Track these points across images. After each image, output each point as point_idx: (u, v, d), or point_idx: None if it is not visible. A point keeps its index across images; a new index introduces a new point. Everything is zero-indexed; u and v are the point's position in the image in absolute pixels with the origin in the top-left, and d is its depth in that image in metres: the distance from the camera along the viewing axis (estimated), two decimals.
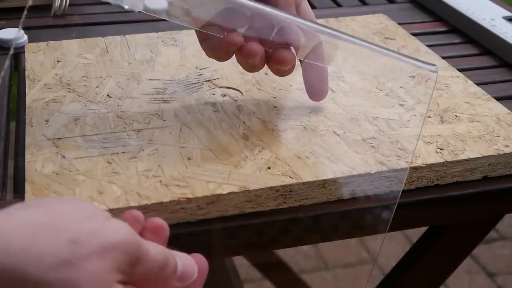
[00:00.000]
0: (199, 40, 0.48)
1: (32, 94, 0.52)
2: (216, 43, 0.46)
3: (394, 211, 0.45)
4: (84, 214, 0.32)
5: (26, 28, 0.66)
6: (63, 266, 0.30)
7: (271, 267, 1.15)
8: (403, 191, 0.46)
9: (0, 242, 0.29)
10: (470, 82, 0.57)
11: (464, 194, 0.47)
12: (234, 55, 0.47)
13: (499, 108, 0.53)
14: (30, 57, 0.58)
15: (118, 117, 0.50)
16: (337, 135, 0.48)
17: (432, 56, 0.62)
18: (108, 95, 0.53)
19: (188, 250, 0.43)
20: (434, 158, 0.46)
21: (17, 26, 0.66)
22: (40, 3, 0.72)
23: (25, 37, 0.64)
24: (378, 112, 0.52)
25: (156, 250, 0.34)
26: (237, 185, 0.42)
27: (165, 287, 0.35)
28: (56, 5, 0.71)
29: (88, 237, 0.31)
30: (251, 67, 0.48)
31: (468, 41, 0.69)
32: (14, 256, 0.29)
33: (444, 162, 0.46)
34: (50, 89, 0.53)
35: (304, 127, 0.49)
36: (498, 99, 0.55)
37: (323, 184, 0.43)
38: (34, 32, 0.66)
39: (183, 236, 0.42)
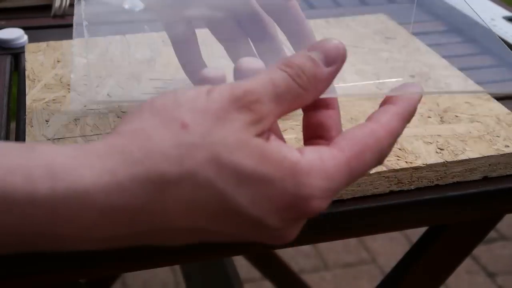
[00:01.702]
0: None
1: (32, 94, 0.52)
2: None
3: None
4: (186, 96, 0.31)
5: (26, 28, 0.66)
6: (192, 151, 0.29)
7: (271, 267, 1.15)
8: (403, 191, 0.46)
9: (121, 156, 0.29)
10: (470, 81, 0.57)
11: (464, 194, 0.47)
12: None
13: (499, 108, 0.53)
14: (30, 57, 0.58)
15: (118, 117, 0.50)
16: None
17: (432, 56, 0.62)
18: (108, 95, 0.53)
19: (187, 250, 0.43)
20: (434, 158, 0.46)
21: (17, 26, 0.66)
22: (40, 3, 0.72)
23: (25, 37, 0.64)
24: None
25: (278, 70, 0.32)
26: None
27: (322, 84, 0.33)
28: (56, 5, 0.71)
29: (197, 115, 0.30)
30: None
31: (468, 41, 0.69)
32: (141, 165, 0.29)
33: (444, 162, 0.46)
34: (50, 89, 0.53)
35: None
36: (498, 99, 0.55)
37: None
38: (34, 32, 0.66)
39: None
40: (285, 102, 0.32)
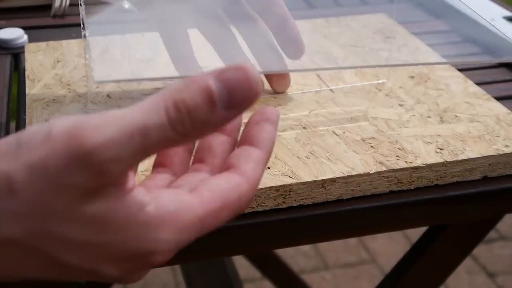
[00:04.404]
0: None
1: (32, 94, 0.52)
2: None
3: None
4: (25, 145, 0.26)
5: (26, 28, 0.66)
6: (18, 219, 0.26)
7: (271, 267, 1.15)
8: (403, 191, 0.46)
9: None
10: (470, 82, 0.57)
11: (464, 194, 0.47)
12: None
13: (499, 108, 0.53)
14: (30, 57, 0.58)
15: None
16: (337, 135, 0.48)
17: (432, 56, 0.62)
18: (108, 96, 0.53)
19: (187, 250, 0.43)
20: (434, 158, 0.46)
21: (17, 26, 0.66)
22: (40, 3, 0.72)
23: (25, 37, 0.64)
24: (378, 112, 0.52)
25: (150, 112, 0.26)
26: None
27: (211, 129, 0.27)
28: (56, 5, 0.71)
29: (28, 175, 0.26)
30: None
31: (468, 41, 0.69)
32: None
33: (444, 162, 0.46)
34: (50, 89, 0.53)
35: (304, 127, 0.49)
36: (498, 99, 0.55)
37: (323, 184, 0.43)
38: (34, 32, 0.66)
39: None
40: (150, 152, 0.27)
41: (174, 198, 0.28)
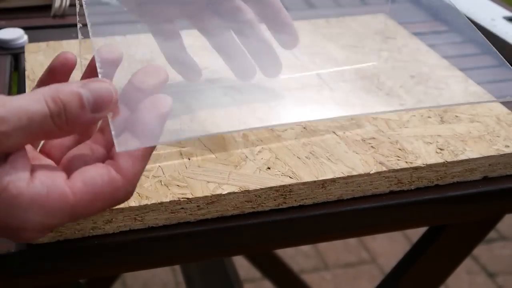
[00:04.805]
0: None
1: None
2: None
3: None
4: None
5: (26, 28, 0.66)
6: None
7: (271, 267, 1.15)
8: (403, 191, 0.46)
9: None
10: (470, 81, 0.57)
11: (464, 194, 0.47)
12: None
13: (499, 108, 0.53)
14: (30, 57, 0.58)
15: None
16: (337, 135, 0.48)
17: (432, 56, 0.62)
18: None
19: (188, 250, 0.43)
20: (434, 158, 0.46)
21: (17, 26, 0.66)
22: (40, 3, 0.72)
23: (25, 37, 0.64)
24: (378, 112, 0.52)
25: (35, 100, 0.31)
26: (237, 185, 0.42)
27: (80, 127, 0.32)
28: (56, 5, 0.71)
29: None
30: None
31: (468, 41, 0.69)
32: None
33: (444, 162, 0.46)
34: None
35: (304, 127, 0.49)
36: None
37: (323, 184, 0.43)
38: (34, 32, 0.66)
39: (183, 236, 0.42)
40: (33, 136, 0.31)
41: (48, 179, 0.32)
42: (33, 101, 0.31)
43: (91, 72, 0.37)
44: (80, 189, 0.32)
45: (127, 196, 0.34)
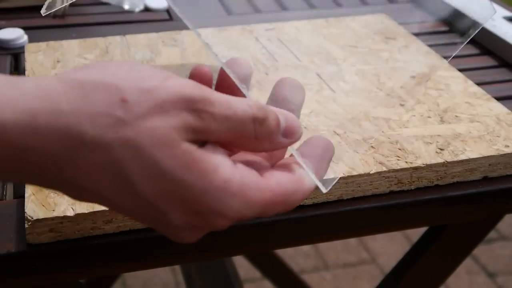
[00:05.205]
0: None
1: None
2: None
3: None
4: (140, 74, 0.30)
5: (26, 28, 0.66)
6: (118, 126, 0.28)
7: (271, 267, 1.15)
8: (403, 191, 0.46)
9: (48, 102, 0.28)
10: (470, 82, 0.57)
11: (464, 194, 0.47)
12: None
13: (499, 108, 0.53)
14: (30, 57, 0.58)
15: None
16: (337, 134, 0.48)
17: (432, 56, 0.62)
18: None
19: (187, 250, 0.43)
20: (434, 159, 0.46)
21: (17, 26, 0.66)
22: (40, 3, 0.72)
23: (25, 37, 0.64)
24: (378, 112, 0.52)
25: (245, 104, 0.31)
26: None
27: (270, 145, 0.32)
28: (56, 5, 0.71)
29: (141, 95, 0.29)
30: None
31: (468, 41, 0.69)
32: (65, 117, 0.28)
33: (444, 162, 0.46)
34: None
35: (304, 127, 0.49)
36: (498, 99, 0.55)
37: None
38: (34, 32, 0.66)
39: None
40: (233, 134, 0.31)
41: (251, 174, 0.32)
42: (238, 101, 0.31)
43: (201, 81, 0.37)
44: (274, 189, 0.32)
45: (294, 206, 0.34)
